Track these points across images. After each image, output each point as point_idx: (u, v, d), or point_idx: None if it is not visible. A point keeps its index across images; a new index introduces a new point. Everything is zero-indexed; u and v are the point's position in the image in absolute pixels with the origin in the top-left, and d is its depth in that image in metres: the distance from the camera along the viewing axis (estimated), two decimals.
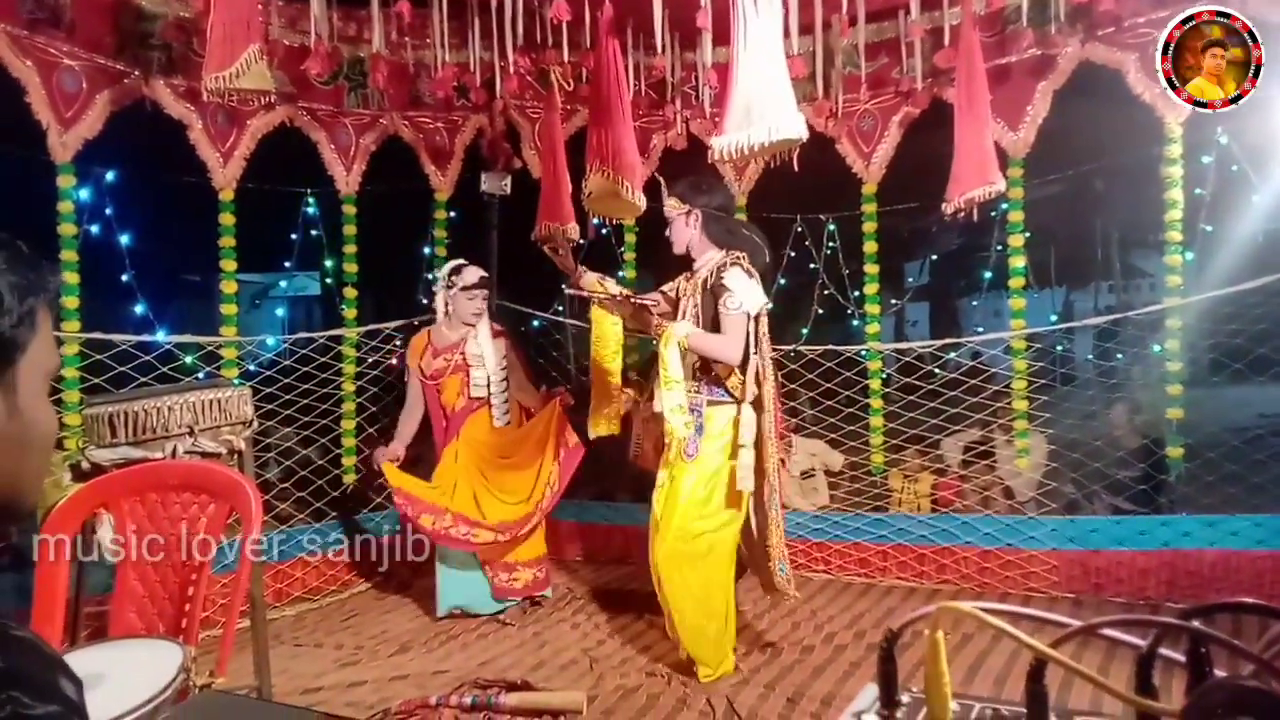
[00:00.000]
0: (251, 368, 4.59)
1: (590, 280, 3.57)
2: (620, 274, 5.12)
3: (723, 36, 3.03)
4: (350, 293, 4.79)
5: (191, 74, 3.84)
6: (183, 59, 3.95)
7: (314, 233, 4.89)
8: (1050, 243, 12.19)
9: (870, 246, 4.69)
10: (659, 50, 4.01)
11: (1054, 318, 11.66)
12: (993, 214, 4.46)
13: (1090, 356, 6.26)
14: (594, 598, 4.42)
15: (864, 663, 3.44)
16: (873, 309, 4.81)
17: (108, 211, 4.08)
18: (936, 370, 4.77)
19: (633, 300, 3.55)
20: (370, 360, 4.82)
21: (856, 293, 4.98)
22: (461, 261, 4.29)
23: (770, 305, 3.42)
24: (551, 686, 3.25)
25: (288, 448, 4.63)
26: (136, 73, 3.89)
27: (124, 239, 4.22)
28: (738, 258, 3.33)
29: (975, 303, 15.30)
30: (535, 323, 5.80)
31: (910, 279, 10.20)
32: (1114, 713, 1.02)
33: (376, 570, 4.61)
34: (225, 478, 2.47)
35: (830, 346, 4.83)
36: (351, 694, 3.32)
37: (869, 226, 4.66)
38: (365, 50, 4.39)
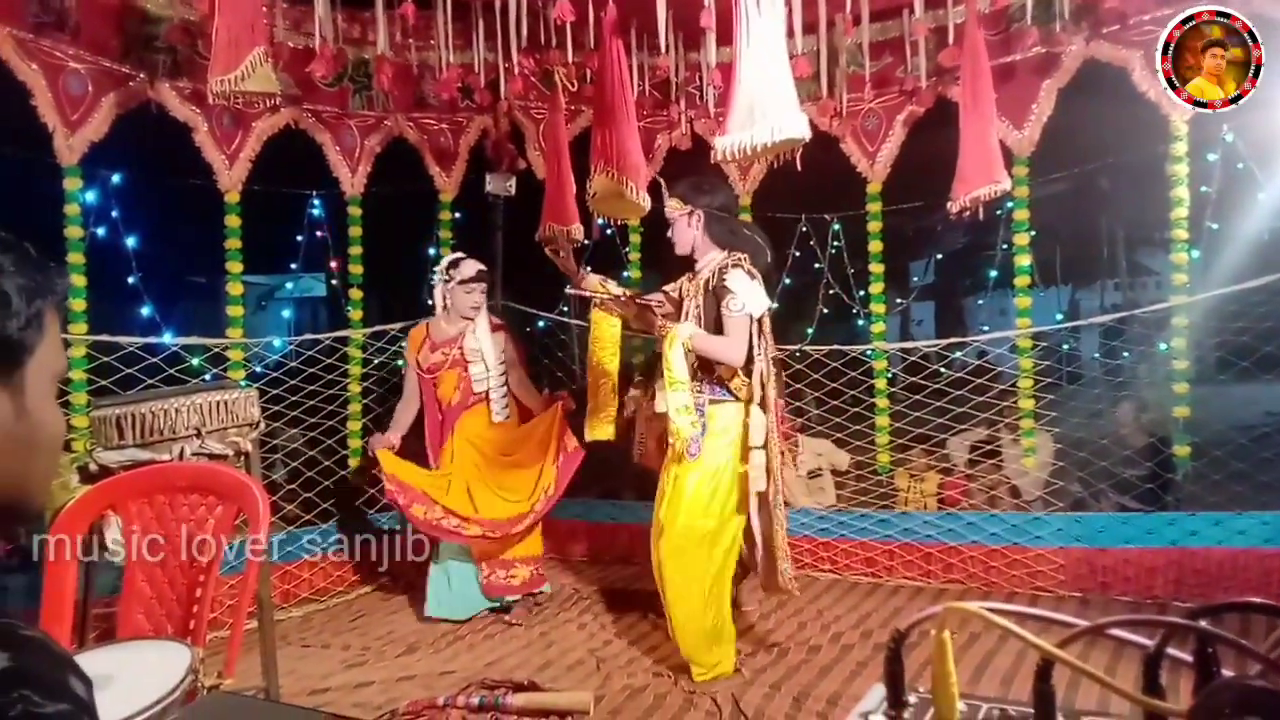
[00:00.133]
0: (258, 369, 4.60)
1: (592, 282, 3.57)
2: (625, 274, 5.13)
3: (726, 36, 3.02)
4: (356, 294, 4.80)
5: (197, 77, 3.85)
6: (188, 62, 3.97)
7: (319, 234, 4.90)
8: (1056, 241, 12.14)
9: (875, 246, 4.70)
10: (663, 50, 4.02)
11: (1060, 316, 11.67)
12: (998, 212, 4.46)
13: (1096, 355, 6.24)
14: (600, 597, 4.42)
15: (871, 662, 3.43)
16: (878, 308, 4.81)
17: (114, 214, 4.10)
18: (942, 369, 4.75)
19: (636, 300, 3.55)
20: (376, 361, 4.82)
21: (861, 292, 4.98)
22: (460, 255, 4.29)
23: (773, 306, 3.41)
24: (558, 687, 3.26)
25: (294, 449, 4.64)
26: (142, 76, 3.90)
27: (130, 241, 4.23)
28: (740, 259, 3.32)
29: (981, 301, 15.27)
30: (541, 323, 5.80)
31: (915, 278, 10.21)
32: (1121, 713, 1.02)
33: (382, 571, 4.61)
34: (233, 479, 2.48)
35: (836, 346, 4.82)
36: (359, 695, 3.32)
37: (874, 226, 4.66)
38: (370, 52, 4.40)
